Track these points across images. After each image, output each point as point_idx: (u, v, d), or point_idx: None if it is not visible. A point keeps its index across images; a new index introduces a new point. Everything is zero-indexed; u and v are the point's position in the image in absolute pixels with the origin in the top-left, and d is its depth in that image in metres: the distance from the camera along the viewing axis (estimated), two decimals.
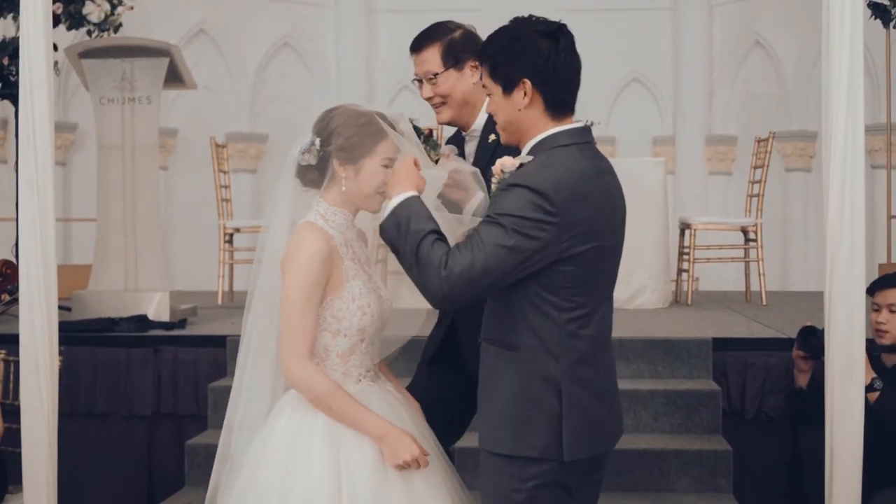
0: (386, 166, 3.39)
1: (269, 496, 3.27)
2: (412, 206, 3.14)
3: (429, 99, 4.04)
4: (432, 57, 4.01)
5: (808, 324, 5.05)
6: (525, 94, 3.15)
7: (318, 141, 3.41)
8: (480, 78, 3.38)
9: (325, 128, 3.42)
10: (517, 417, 3.14)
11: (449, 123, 4.09)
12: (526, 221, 3.00)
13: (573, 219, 3.03)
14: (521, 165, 3.15)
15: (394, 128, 3.45)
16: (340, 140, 3.37)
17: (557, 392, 3.12)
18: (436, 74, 3.99)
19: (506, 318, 3.18)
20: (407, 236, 3.10)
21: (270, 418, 3.42)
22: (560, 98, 3.19)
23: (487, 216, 3.07)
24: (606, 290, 3.27)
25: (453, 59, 3.99)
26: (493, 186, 3.20)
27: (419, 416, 3.57)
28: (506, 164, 3.18)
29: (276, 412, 3.42)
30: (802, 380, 5.14)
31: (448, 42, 4.00)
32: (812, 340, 4.97)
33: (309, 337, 3.33)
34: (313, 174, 3.45)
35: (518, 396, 3.15)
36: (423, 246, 3.05)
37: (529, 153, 3.18)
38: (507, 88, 3.18)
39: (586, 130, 3.23)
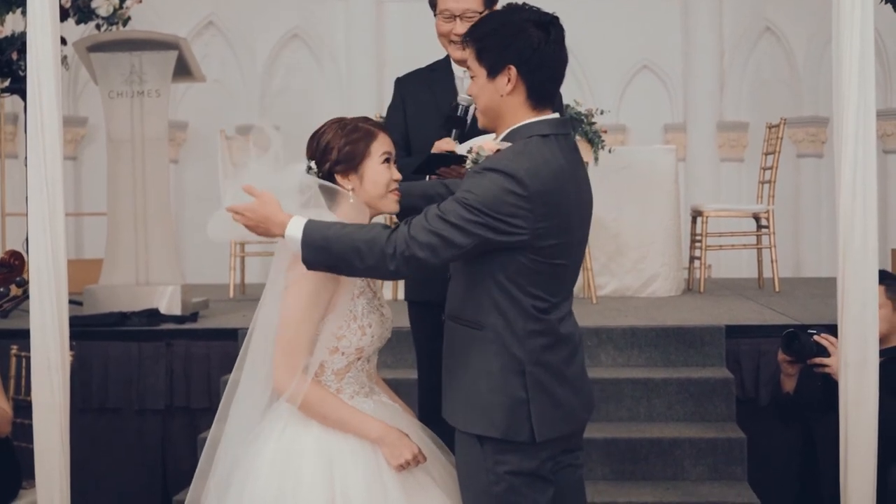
0: (386, 161, 3.41)
1: None
2: (311, 227, 3.15)
3: (458, 35, 4.16)
4: None
5: (791, 329, 5.01)
6: (509, 80, 3.17)
7: (314, 164, 3.42)
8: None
9: (317, 148, 3.43)
10: (482, 397, 3.17)
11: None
12: (499, 205, 3.01)
13: (545, 209, 3.05)
14: (499, 151, 3.16)
15: (382, 128, 3.47)
16: (335, 154, 3.38)
17: (521, 374, 3.15)
18: (478, 13, 4.17)
19: (472, 297, 3.19)
20: (333, 250, 3.12)
21: (261, 434, 3.37)
22: (543, 89, 3.20)
23: (457, 196, 3.07)
24: (570, 282, 3.30)
25: (491, 3, 4.22)
26: (468, 164, 3.21)
27: (416, 425, 3.55)
28: (484, 147, 3.20)
29: (266, 428, 3.38)
30: (789, 385, 5.10)
31: None
32: (795, 345, 4.92)
33: (303, 351, 3.31)
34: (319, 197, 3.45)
35: (482, 376, 3.17)
36: (354, 241, 3.08)
37: (506, 139, 3.19)
38: (492, 73, 3.19)
39: (565, 123, 3.26)
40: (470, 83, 3.30)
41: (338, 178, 3.40)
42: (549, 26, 3.18)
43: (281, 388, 3.32)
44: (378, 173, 3.40)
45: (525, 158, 3.07)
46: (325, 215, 3.38)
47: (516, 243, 3.06)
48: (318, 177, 3.40)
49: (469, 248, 3.05)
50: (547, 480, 3.22)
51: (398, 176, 3.46)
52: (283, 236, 3.19)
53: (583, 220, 3.26)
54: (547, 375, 3.18)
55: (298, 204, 3.37)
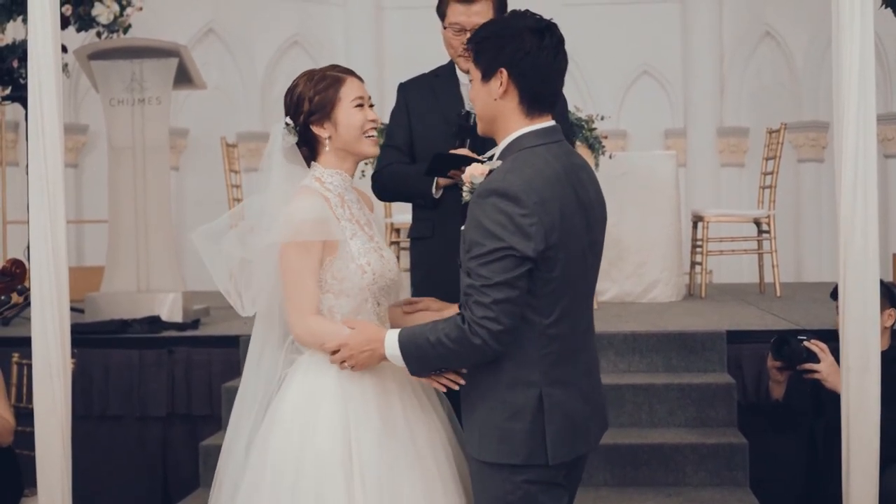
0: (359, 105, 3.48)
1: (283, 466, 3.30)
2: (405, 340, 3.22)
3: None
4: (486, 10, 4.23)
5: (780, 334, 5.00)
6: (501, 84, 3.19)
7: (289, 119, 3.50)
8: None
9: (291, 103, 3.51)
10: (499, 426, 3.16)
11: None
12: (513, 233, 3.03)
13: (549, 218, 3.06)
14: (491, 172, 3.18)
15: (351, 73, 3.54)
16: (306, 105, 3.47)
17: (538, 397, 3.14)
18: None
19: None
20: (431, 357, 3.18)
21: (283, 386, 3.46)
22: (535, 94, 3.21)
23: (475, 250, 3.07)
24: (587, 288, 3.30)
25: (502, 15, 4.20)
26: (465, 195, 3.23)
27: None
28: (475, 172, 3.23)
29: (287, 380, 3.46)
30: (778, 391, 5.09)
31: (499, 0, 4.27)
32: (785, 350, 4.90)
33: (309, 295, 3.36)
34: (304, 151, 3.53)
35: (499, 404, 3.17)
36: (446, 345, 3.11)
37: (500, 157, 3.22)
38: (486, 76, 3.22)
39: (554, 130, 3.25)
40: (470, 87, 3.33)
41: (314, 128, 3.49)
42: (545, 32, 3.19)
43: (295, 329, 3.41)
44: (351, 116, 3.47)
45: (516, 175, 3.08)
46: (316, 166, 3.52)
47: (547, 260, 3.08)
48: (296, 130, 3.49)
49: (527, 285, 3.07)
50: (562, 487, 3.24)
51: (374, 116, 3.52)
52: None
53: (590, 224, 3.24)
54: (564, 393, 3.18)
55: (286, 161, 3.48)
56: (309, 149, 3.53)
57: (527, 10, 3.28)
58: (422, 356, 3.18)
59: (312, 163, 3.53)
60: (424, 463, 3.37)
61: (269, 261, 3.42)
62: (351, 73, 3.55)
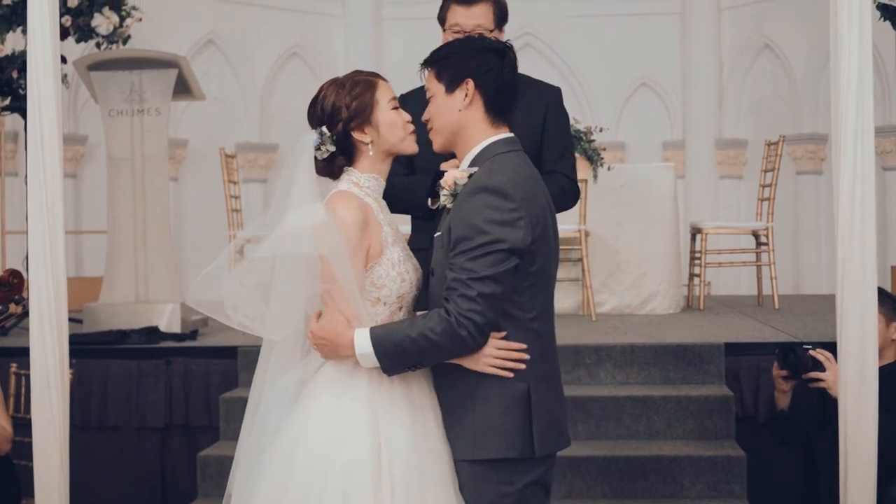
0: (395, 108, 3.46)
1: (309, 477, 3.23)
2: (378, 337, 3.21)
3: None
4: (486, 14, 4.24)
5: (786, 343, 5.00)
6: (467, 94, 3.29)
7: (325, 129, 3.44)
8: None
9: (324, 112, 3.46)
10: (494, 421, 3.21)
11: None
12: (501, 226, 3.11)
13: (534, 213, 3.17)
14: (471, 176, 3.24)
15: (378, 76, 3.55)
16: (344, 112, 3.42)
17: (527, 390, 3.21)
18: (490, 31, 4.19)
19: None
20: (410, 352, 3.19)
21: (307, 394, 3.38)
22: (498, 105, 3.32)
23: (464, 244, 3.13)
24: (553, 290, 3.39)
25: (500, 21, 4.26)
26: (444, 199, 3.26)
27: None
28: (456, 176, 3.28)
29: (312, 390, 3.38)
30: (783, 401, 5.08)
31: (500, 4, 4.28)
32: (791, 358, 4.90)
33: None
34: (339, 160, 3.46)
35: (493, 401, 3.22)
36: (430, 339, 3.15)
37: (472, 164, 3.29)
38: (450, 88, 3.31)
39: (515, 140, 3.36)
40: (428, 106, 3.39)
41: (354, 134, 3.43)
42: (505, 51, 3.35)
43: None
44: (392, 118, 3.45)
45: (499, 174, 3.18)
46: (352, 171, 3.46)
47: (530, 254, 3.16)
48: (332, 140, 3.43)
49: (511, 282, 3.15)
50: (547, 487, 3.32)
51: (408, 117, 3.50)
52: (353, 356, 3.24)
53: (555, 227, 3.36)
54: (547, 389, 3.27)
55: (313, 172, 3.43)
56: (346, 156, 3.46)
57: (484, 36, 3.51)
58: (400, 353, 3.19)
59: (347, 168, 3.47)
60: (446, 479, 3.31)
61: (293, 274, 3.38)
62: (378, 76, 3.54)
